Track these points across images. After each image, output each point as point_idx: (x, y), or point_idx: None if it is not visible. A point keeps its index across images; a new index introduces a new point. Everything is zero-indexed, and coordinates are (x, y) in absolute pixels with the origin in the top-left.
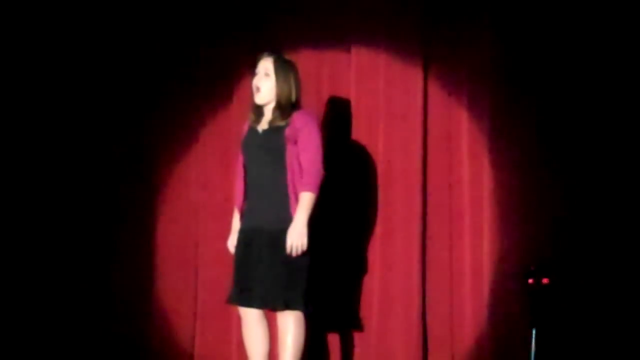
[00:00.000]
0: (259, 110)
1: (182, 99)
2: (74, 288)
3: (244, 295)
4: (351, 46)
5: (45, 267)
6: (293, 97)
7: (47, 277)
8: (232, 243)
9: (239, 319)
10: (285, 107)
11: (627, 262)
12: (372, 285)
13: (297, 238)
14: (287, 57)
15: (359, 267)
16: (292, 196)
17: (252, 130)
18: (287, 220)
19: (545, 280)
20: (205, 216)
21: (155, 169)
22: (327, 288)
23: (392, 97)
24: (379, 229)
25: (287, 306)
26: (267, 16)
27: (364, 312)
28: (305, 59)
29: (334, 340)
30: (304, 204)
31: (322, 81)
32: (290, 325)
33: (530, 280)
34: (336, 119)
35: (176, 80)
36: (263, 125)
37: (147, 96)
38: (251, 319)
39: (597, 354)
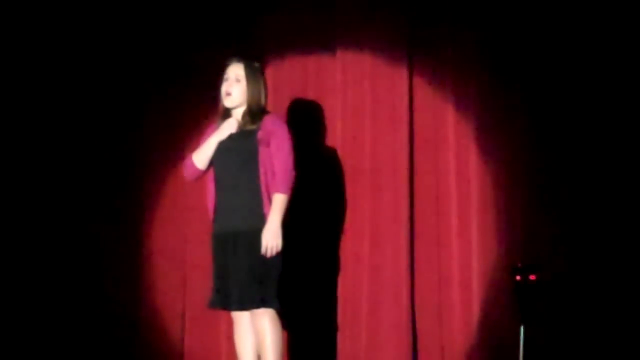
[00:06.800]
0: (227, 114)
1: (171, 104)
2: (63, 290)
3: (223, 298)
4: (336, 49)
5: (35, 269)
6: (262, 102)
7: (37, 279)
8: None
9: (227, 320)
10: (256, 111)
11: (616, 258)
12: (362, 285)
13: (272, 239)
14: (256, 62)
15: (348, 267)
16: (265, 197)
17: None
18: (261, 221)
19: (532, 277)
20: (194, 218)
21: (146, 171)
22: (314, 289)
23: (378, 99)
24: (367, 229)
25: (263, 304)
26: (252, 22)
27: (353, 312)
28: (291, 64)
29: (324, 341)
30: (277, 205)
31: (308, 85)
32: (267, 325)
33: (518, 277)
34: (322, 121)
35: (164, 86)
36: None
37: (138, 101)
38: (243, 322)
39: (585, 350)
